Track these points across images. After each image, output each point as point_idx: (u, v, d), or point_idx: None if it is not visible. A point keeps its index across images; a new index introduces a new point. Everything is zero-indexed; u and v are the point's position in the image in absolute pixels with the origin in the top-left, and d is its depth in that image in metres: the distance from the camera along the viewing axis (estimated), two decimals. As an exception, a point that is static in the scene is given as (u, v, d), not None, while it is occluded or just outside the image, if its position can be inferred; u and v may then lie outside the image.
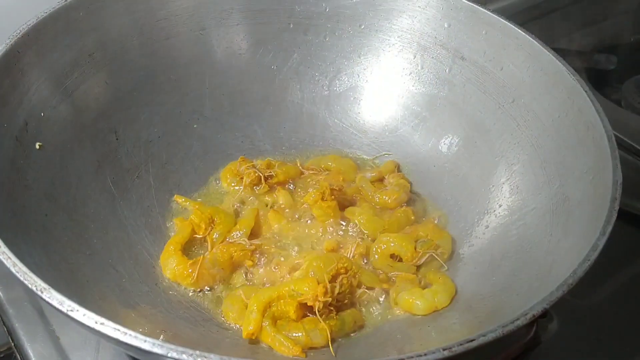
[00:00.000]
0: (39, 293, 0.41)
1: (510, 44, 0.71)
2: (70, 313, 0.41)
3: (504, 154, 0.71)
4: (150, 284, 0.63)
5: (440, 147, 0.77)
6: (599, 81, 1.08)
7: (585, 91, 0.63)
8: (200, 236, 0.68)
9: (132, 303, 0.59)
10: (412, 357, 0.39)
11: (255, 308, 0.60)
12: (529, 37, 0.69)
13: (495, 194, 0.70)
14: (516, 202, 0.67)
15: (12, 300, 0.67)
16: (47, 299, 0.41)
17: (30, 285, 0.42)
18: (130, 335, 0.39)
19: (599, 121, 0.60)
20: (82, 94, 0.69)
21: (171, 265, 0.64)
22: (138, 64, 0.74)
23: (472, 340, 0.41)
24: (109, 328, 0.40)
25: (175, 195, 0.73)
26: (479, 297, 0.60)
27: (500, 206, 0.68)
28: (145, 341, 0.39)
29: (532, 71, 0.69)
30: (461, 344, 0.41)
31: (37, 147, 0.62)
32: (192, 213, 0.69)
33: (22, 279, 0.42)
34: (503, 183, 0.69)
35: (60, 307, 0.41)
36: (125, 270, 0.62)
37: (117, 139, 0.72)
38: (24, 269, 0.43)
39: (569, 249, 0.54)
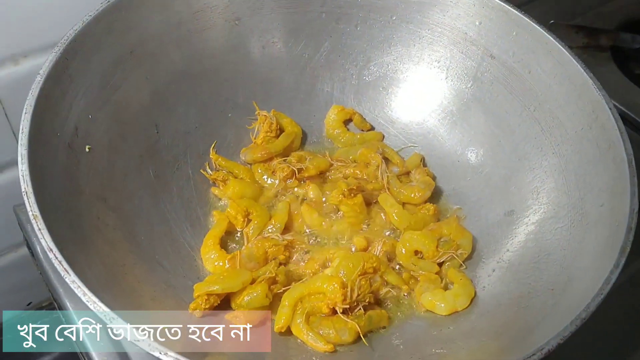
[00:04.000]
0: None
1: (539, 49, 0.73)
2: (137, 343, 0.46)
3: (527, 157, 0.73)
4: (193, 278, 0.68)
5: (464, 143, 0.80)
6: (623, 59, 1.09)
7: (610, 108, 0.65)
8: (239, 230, 0.73)
9: (178, 300, 0.64)
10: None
11: (287, 303, 0.65)
12: (559, 45, 0.71)
13: (516, 196, 0.73)
14: (535, 208, 0.70)
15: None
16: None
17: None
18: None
19: (620, 142, 0.62)
20: (125, 91, 0.71)
21: (212, 259, 0.69)
22: (176, 57, 0.77)
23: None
24: (171, 358, 0.45)
25: (211, 188, 0.77)
26: (495, 302, 0.65)
27: (519, 209, 0.72)
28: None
29: (560, 79, 0.71)
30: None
31: (87, 150, 0.65)
32: (229, 206, 0.74)
33: (92, 307, 0.47)
34: (524, 186, 0.73)
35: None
36: (170, 266, 0.67)
37: (157, 132, 0.75)
38: (94, 298, 0.48)
39: (585, 269, 0.58)
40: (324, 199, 0.77)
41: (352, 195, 0.74)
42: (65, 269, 0.49)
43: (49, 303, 1.06)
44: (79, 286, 0.48)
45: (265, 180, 0.78)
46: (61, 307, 0.74)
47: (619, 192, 0.60)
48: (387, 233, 0.75)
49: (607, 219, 0.60)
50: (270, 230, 0.73)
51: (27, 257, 0.86)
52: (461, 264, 0.71)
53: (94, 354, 0.67)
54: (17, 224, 0.80)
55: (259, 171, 0.78)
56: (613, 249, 0.56)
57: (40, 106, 0.59)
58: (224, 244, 0.72)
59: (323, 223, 0.74)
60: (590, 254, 0.59)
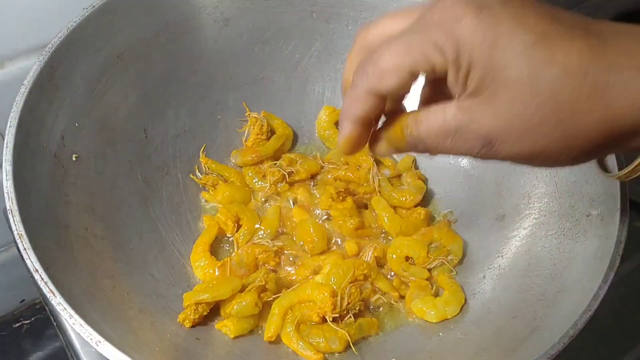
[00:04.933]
0: (95, 346, 0.47)
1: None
2: (123, 366, 0.46)
3: (518, 161, 0.73)
4: (183, 287, 0.68)
5: (456, 145, 0.79)
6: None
7: (602, 115, 0.64)
8: (229, 235, 0.73)
9: (167, 310, 0.64)
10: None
11: (276, 312, 0.65)
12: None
13: (507, 201, 0.73)
14: (527, 213, 0.70)
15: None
16: (102, 352, 0.46)
17: (86, 338, 0.47)
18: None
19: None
20: (112, 97, 0.70)
21: (202, 266, 0.69)
22: (164, 59, 0.76)
23: (479, 395, 0.47)
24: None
25: (201, 192, 0.76)
26: (485, 310, 0.65)
27: (511, 214, 0.72)
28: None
29: (552, 82, 0.70)
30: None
31: (74, 159, 0.64)
32: (219, 211, 0.73)
33: (78, 330, 0.47)
34: (515, 190, 0.72)
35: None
36: (160, 274, 0.67)
37: (146, 137, 0.74)
38: (80, 320, 0.47)
39: (574, 281, 0.58)
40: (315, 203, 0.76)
41: (341, 198, 0.74)
42: (51, 290, 0.49)
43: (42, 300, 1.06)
44: (65, 308, 0.48)
45: (256, 183, 0.77)
46: (51, 310, 0.74)
47: (609, 202, 0.60)
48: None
49: (598, 229, 0.60)
50: (260, 236, 0.72)
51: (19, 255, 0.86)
52: (452, 270, 0.71)
53: (80, 351, 0.67)
54: (7, 226, 0.79)
55: (250, 174, 0.78)
56: (602, 261, 0.56)
57: (25, 118, 0.59)
58: (214, 250, 0.72)
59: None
60: (580, 265, 0.59)
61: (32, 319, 1.06)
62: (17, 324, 1.05)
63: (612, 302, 0.77)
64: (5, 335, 1.04)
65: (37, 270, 0.49)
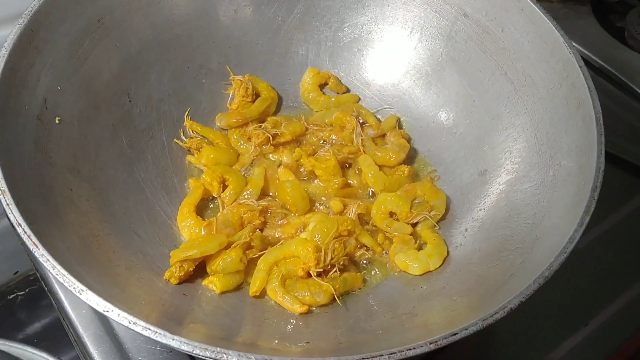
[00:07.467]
0: (78, 294, 0.47)
1: (511, 7, 0.72)
2: (106, 313, 0.47)
3: (500, 117, 0.74)
4: (170, 246, 0.68)
5: (439, 103, 0.80)
6: (603, 13, 1.08)
7: (580, 66, 0.65)
8: (215, 196, 0.73)
9: (154, 268, 0.65)
10: (403, 351, 0.46)
11: (262, 267, 0.67)
12: (530, 2, 0.70)
13: (489, 156, 0.73)
14: (508, 167, 0.71)
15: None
16: (85, 300, 0.47)
17: (69, 287, 0.48)
18: (161, 334, 0.46)
19: (589, 100, 0.63)
20: (94, 60, 0.71)
21: (188, 226, 0.70)
22: (145, 23, 0.76)
23: (455, 334, 0.48)
24: (140, 327, 0.46)
25: (187, 156, 0.77)
26: (467, 261, 0.66)
27: (492, 169, 0.72)
28: (173, 339, 0.46)
29: (532, 37, 0.71)
30: (445, 337, 0.47)
31: (57, 121, 0.65)
32: (204, 172, 0.74)
33: (61, 280, 0.48)
34: (496, 145, 0.73)
35: (97, 308, 0.47)
36: (146, 234, 0.68)
37: (129, 101, 0.75)
38: (63, 271, 0.48)
39: (552, 228, 0.59)
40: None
41: (310, 156, 0.75)
42: (34, 243, 0.49)
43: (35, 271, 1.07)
44: (48, 259, 0.49)
45: (241, 146, 0.78)
46: (42, 276, 0.75)
47: (586, 150, 0.61)
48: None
49: (575, 177, 0.61)
50: (245, 196, 0.73)
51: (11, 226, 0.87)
52: (435, 225, 0.72)
53: (75, 320, 0.68)
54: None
55: (235, 137, 0.78)
56: (579, 206, 0.56)
57: (6, 80, 0.59)
58: (201, 211, 0.73)
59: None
60: (559, 213, 0.60)
61: (27, 290, 1.07)
62: (12, 296, 1.06)
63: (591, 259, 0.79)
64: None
65: (19, 224, 0.50)
